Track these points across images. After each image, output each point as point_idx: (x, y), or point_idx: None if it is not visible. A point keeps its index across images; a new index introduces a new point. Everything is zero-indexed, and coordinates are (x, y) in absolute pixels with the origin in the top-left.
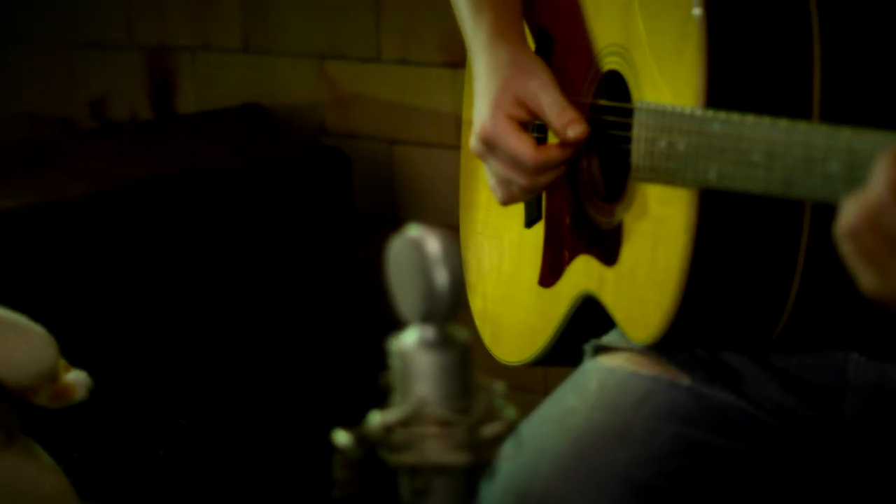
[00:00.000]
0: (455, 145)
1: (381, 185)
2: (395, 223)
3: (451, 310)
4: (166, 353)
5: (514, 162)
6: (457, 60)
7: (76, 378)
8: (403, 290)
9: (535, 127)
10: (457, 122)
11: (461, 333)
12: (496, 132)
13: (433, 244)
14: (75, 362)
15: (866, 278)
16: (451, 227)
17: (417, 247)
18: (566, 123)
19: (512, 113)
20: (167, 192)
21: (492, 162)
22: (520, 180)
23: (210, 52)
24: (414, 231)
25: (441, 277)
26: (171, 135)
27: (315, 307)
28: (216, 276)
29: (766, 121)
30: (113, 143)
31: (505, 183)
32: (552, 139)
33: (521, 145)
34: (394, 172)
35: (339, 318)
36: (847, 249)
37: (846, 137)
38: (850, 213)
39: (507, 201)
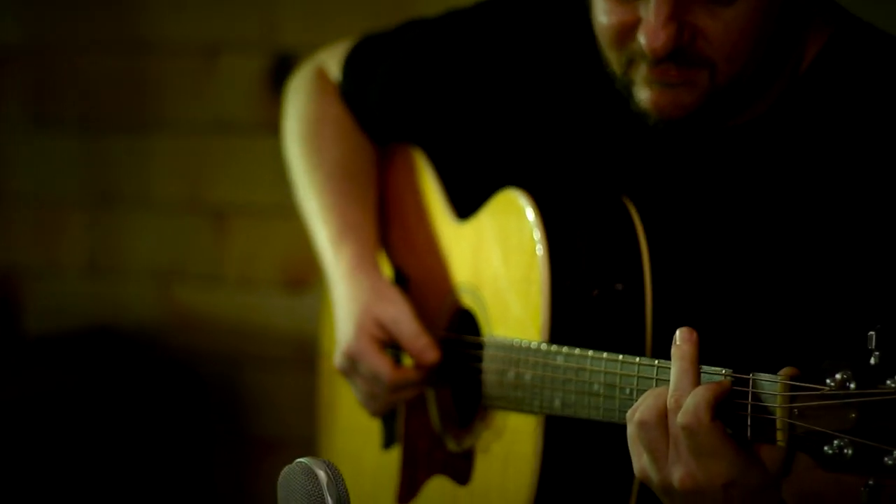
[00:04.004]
0: (293, 359)
1: (224, 401)
2: (240, 437)
3: None
4: None
5: (374, 378)
6: (296, 281)
7: None
8: None
9: (394, 350)
10: (295, 341)
11: None
12: (359, 349)
13: (321, 473)
14: None
15: (639, 462)
16: (293, 438)
17: (307, 475)
18: (420, 349)
19: (374, 334)
20: (18, 418)
21: (355, 378)
22: (380, 395)
23: (56, 272)
24: (302, 461)
25: None
26: (20, 358)
27: None
28: (76, 500)
29: (604, 354)
30: None
31: (369, 396)
32: (407, 359)
33: (381, 364)
34: (236, 388)
35: None
36: (632, 433)
37: None
38: (646, 405)
39: (374, 414)
